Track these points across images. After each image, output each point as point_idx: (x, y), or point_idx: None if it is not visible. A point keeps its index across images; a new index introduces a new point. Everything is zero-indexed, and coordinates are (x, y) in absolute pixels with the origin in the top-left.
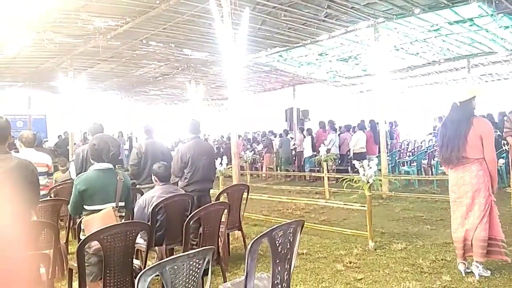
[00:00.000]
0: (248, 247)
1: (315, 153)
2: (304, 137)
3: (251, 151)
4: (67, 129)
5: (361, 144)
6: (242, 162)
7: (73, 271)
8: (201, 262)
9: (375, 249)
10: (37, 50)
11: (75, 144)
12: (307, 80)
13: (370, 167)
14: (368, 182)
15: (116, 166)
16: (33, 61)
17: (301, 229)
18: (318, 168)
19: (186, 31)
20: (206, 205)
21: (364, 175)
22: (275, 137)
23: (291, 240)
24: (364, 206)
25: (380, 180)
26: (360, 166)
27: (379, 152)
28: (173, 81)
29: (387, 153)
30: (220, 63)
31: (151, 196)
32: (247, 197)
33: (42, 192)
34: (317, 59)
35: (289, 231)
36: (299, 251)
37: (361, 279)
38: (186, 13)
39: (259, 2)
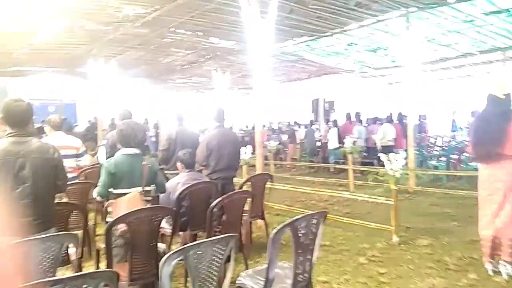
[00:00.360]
0: (271, 236)
1: (341, 145)
2: (330, 128)
3: (276, 141)
4: (96, 115)
5: (389, 137)
6: (266, 152)
7: (100, 252)
8: (224, 248)
9: (399, 244)
10: (69, 37)
11: (104, 130)
12: (334, 71)
13: (397, 161)
14: (394, 176)
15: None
16: (64, 47)
17: (324, 221)
18: (343, 160)
19: (213, 19)
20: (230, 193)
21: (390, 168)
22: (299, 127)
23: (313, 231)
24: (389, 200)
25: (407, 174)
26: (387, 160)
27: (407, 146)
28: (200, 70)
29: (415, 147)
30: (247, 52)
31: (177, 182)
32: (270, 187)
33: (72, 175)
34: (345, 49)
35: (312, 222)
36: (322, 243)
37: (384, 273)
38: (214, 1)
39: None
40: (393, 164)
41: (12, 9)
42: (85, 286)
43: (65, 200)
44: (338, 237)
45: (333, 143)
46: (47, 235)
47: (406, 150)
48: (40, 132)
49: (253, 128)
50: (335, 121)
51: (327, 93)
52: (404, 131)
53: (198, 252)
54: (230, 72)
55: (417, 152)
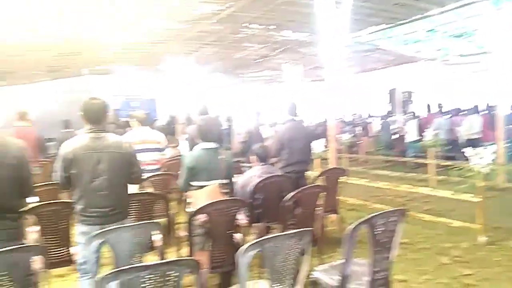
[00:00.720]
0: (347, 232)
1: (420, 137)
2: (408, 120)
3: (350, 134)
4: (174, 110)
5: (475, 129)
6: (339, 145)
7: (180, 239)
8: (299, 242)
9: (486, 244)
10: (150, 36)
11: (182, 123)
12: (413, 59)
13: (485, 155)
14: (481, 172)
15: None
16: (145, 47)
17: (404, 219)
18: (422, 154)
19: (286, 12)
20: (303, 187)
21: (477, 163)
22: (373, 119)
23: (392, 229)
24: (475, 197)
25: (496, 170)
26: (474, 154)
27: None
28: (272, 63)
29: (506, 140)
30: (320, 43)
31: (251, 175)
32: (344, 181)
33: (155, 166)
34: (426, 36)
35: (390, 220)
36: (400, 240)
37: (470, 275)
38: None
39: None
40: (481, 158)
41: (100, 14)
42: (170, 272)
43: (149, 190)
44: (418, 235)
45: (411, 136)
46: (139, 223)
47: (494, 144)
48: (126, 126)
49: (325, 120)
50: (413, 113)
51: (404, 83)
52: (492, 123)
53: (274, 245)
54: (302, 64)
55: (508, 146)
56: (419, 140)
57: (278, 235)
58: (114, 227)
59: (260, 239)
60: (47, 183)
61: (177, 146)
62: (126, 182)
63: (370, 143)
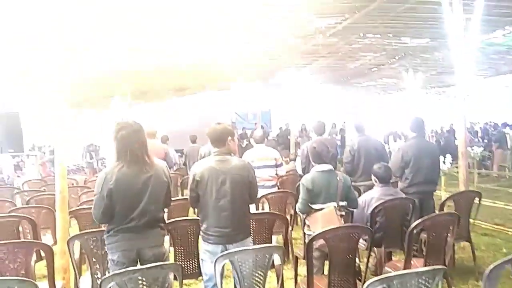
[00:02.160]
0: (487, 272)
1: None
2: None
3: (480, 147)
4: (288, 121)
5: None
6: (468, 159)
7: (298, 259)
8: (430, 281)
9: None
10: (266, 53)
11: (298, 138)
12: None
13: None
14: None
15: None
16: (262, 62)
17: None
18: None
19: (406, 19)
20: (432, 214)
21: None
22: (510, 129)
23: None
24: None
25: None
26: None
27: None
28: (389, 71)
29: None
30: (443, 48)
31: (371, 197)
32: (478, 206)
33: (271, 183)
34: None
35: None
36: None
37: None
38: (408, 2)
39: None
40: None
41: (221, 35)
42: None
43: (266, 207)
44: None
45: None
46: (261, 246)
47: None
48: (243, 137)
49: (448, 131)
50: None
51: None
52: None
53: (402, 282)
54: (422, 70)
55: None
56: None
57: (407, 273)
58: (239, 249)
59: (387, 275)
60: (176, 198)
61: (290, 160)
62: (247, 203)
63: (505, 157)
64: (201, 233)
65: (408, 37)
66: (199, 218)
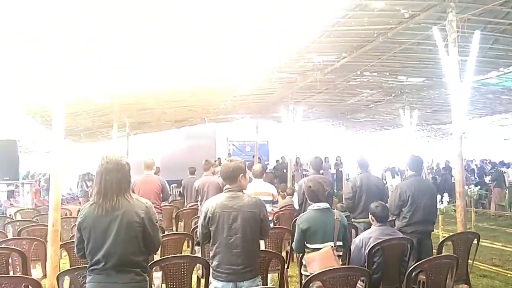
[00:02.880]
0: None
1: None
2: None
3: (477, 185)
4: (285, 154)
5: None
6: (465, 197)
7: None
8: None
9: None
10: (264, 87)
11: (294, 171)
12: None
13: None
14: None
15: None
16: (260, 96)
17: None
18: None
19: (402, 59)
20: (430, 257)
21: None
22: (507, 167)
23: None
24: None
25: None
26: None
27: None
28: (385, 108)
29: None
30: (438, 86)
31: (368, 237)
32: (477, 248)
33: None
34: None
35: None
36: None
37: None
38: (404, 43)
39: (491, 21)
40: None
41: (220, 69)
42: None
43: (262, 243)
44: None
45: None
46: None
47: None
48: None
49: (445, 168)
50: None
51: None
52: None
53: None
54: (418, 108)
55: None
56: None
57: None
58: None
59: None
60: (169, 233)
61: (288, 195)
62: (258, 240)
63: (503, 195)
64: (211, 270)
65: (405, 75)
66: (193, 255)
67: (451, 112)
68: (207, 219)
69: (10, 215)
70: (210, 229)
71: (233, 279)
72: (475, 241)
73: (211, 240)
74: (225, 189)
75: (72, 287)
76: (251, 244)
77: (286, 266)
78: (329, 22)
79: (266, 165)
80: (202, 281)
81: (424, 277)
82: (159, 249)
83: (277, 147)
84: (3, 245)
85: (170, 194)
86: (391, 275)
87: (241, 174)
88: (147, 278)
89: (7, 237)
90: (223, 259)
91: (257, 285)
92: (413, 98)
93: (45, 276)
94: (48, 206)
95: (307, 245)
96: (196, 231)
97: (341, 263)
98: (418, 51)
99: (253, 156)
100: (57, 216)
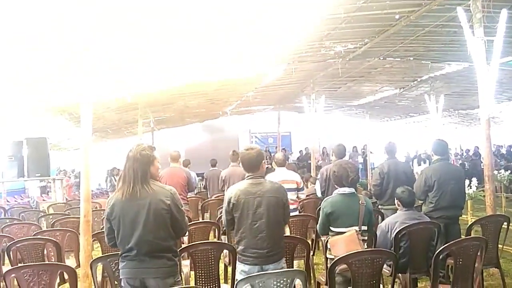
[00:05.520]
0: None
1: None
2: None
3: (507, 170)
4: (308, 145)
5: None
6: (495, 182)
7: (320, 284)
8: None
9: None
10: (286, 78)
11: (318, 162)
12: None
13: None
14: None
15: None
16: (282, 87)
17: None
18: None
19: (426, 42)
20: (458, 239)
21: None
22: None
23: None
24: None
25: None
26: None
27: None
28: (410, 94)
29: None
30: (465, 70)
31: (394, 221)
32: (506, 231)
33: (292, 206)
34: None
35: None
36: None
37: None
38: (428, 25)
39: None
40: None
41: (244, 64)
42: None
43: (287, 230)
44: None
45: None
46: (282, 270)
47: None
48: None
49: (474, 154)
50: None
51: None
52: None
53: None
54: (445, 93)
55: None
56: None
57: None
58: (260, 273)
59: None
60: (196, 221)
61: (311, 183)
62: (281, 224)
63: None
64: (237, 254)
65: (429, 59)
66: (220, 241)
67: (478, 96)
68: (231, 206)
69: (43, 210)
70: (235, 215)
71: (258, 262)
72: (505, 225)
73: (236, 226)
74: (247, 176)
75: (105, 274)
76: (276, 228)
77: (312, 253)
78: (350, 7)
79: (289, 156)
80: (229, 268)
81: (452, 261)
82: (187, 237)
83: (300, 138)
84: (38, 236)
85: (195, 187)
86: (418, 260)
87: (263, 161)
88: (178, 263)
89: (41, 229)
90: (249, 243)
91: (282, 267)
92: (439, 83)
93: (78, 265)
94: (79, 200)
95: (332, 228)
96: (222, 220)
97: (366, 247)
98: (442, 33)
99: (276, 148)
100: (88, 207)
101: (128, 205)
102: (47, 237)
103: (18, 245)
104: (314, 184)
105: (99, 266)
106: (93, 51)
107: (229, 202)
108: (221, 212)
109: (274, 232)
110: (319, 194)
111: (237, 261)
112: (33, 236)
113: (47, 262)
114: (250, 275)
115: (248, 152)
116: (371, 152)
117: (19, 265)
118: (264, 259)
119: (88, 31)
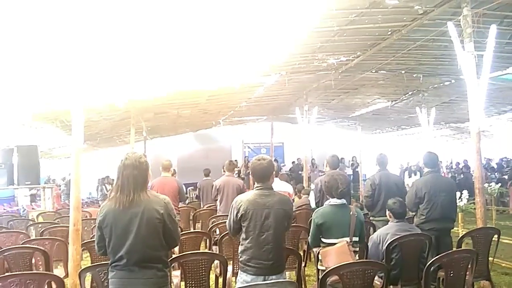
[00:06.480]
0: None
1: None
2: None
3: (497, 183)
4: (300, 156)
5: None
6: (486, 195)
7: None
8: None
9: None
10: (279, 89)
11: (311, 172)
12: None
13: None
14: None
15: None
16: (275, 98)
17: None
18: None
19: (418, 56)
20: (449, 251)
21: None
22: None
23: None
24: None
25: None
26: None
27: None
28: (401, 107)
29: None
30: (455, 84)
31: (386, 233)
32: (497, 244)
33: None
34: None
35: None
36: None
37: None
38: (419, 40)
39: (508, 15)
40: None
41: (237, 74)
42: None
43: None
44: None
45: None
46: (273, 281)
47: None
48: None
49: (465, 166)
50: None
51: None
52: None
53: None
54: (435, 106)
55: None
56: None
57: None
58: (254, 283)
59: None
60: (187, 231)
61: (303, 194)
62: (284, 238)
63: None
64: (240, 264)
65: (420, 73)
66: (211, 252)
67: (468, 109)
68: (239, 216)
69: (32, 218)
70: (243, 225)
71: (262, 273)
72: (495, 237)
73: (242, 235)
74: (256, 187)
75: (94, 285)
76: (280, 240)
77: (303, 264)
78: (343, 20)
79: (281, 167)
80: (220, 279)
81: (443, 273)
82: (178, 247)
83: (292, 149)
84: (26, 245)
85: (187, 197)
86: (410, 271)
87: (274, 172)
88: (168, 274)
89: (29, 238)
90: (254, 254)
91: (284, 279)
92: (429, 96)
93: (67, 275)
94: (68, 209)
95: (323, 239)
96: (214, 230)
97: (357, 258)
98: (433, 47)
99: None
100: (78, 216)
101: (121, 213)
102: (36, 246)
103: (5, 254)
104: (307, 195)
105: (88, 276)
106: (84, 56)
107: (237, 212)
108: (213, 222)
109: (279, 244)
110: (313, 205)
111: (239, 271)
112: (21, 244)
113: (35, 271)
114: (244, 285)
115: (260, 162)
116: (358, 164)
117: (6, 274)
118: (268, 270)
119: (79, 35)
